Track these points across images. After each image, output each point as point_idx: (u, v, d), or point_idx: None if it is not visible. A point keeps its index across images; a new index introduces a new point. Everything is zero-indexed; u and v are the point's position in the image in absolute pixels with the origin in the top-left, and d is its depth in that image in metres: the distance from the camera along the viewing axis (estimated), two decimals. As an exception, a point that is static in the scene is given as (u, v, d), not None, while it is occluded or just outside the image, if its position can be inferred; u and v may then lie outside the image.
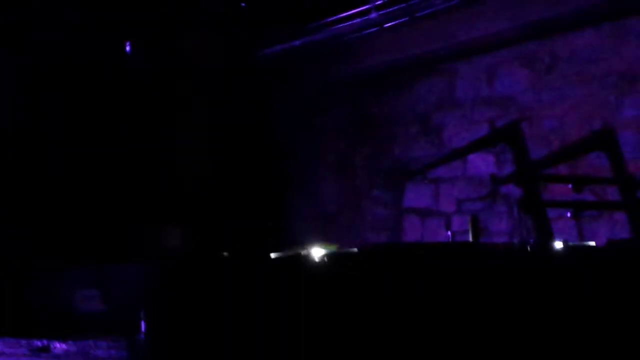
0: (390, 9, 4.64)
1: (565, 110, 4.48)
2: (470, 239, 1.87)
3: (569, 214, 2.38)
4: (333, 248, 1.72)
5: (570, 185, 2.28)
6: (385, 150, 5.26)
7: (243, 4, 4.27)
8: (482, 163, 4.63)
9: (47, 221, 1.87)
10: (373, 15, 4.77)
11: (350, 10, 4.91)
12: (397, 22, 4.66)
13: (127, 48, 2.31)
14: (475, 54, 4.85)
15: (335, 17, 5.01)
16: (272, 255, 1.75)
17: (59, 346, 1.62)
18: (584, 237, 2.21)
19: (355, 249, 1.69)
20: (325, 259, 1.64)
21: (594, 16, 4.28)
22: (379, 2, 4.63)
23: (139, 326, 1.38)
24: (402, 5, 4.60)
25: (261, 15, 4.88)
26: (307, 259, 1.66)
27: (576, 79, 4.48)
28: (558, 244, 1.88)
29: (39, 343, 1.69)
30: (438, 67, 5.05)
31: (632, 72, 4.26)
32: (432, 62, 5.01)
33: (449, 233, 4.07)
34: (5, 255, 1.89)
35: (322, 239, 2.43)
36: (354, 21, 4.95)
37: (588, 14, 4.27)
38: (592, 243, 2.04)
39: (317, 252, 1.68)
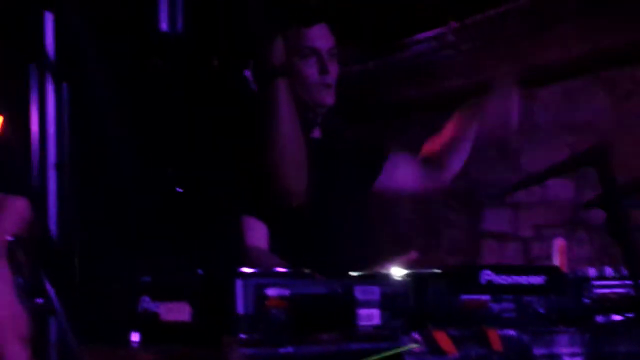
0: (466, 32, 4.64)
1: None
2: (556, 263, 1.85)
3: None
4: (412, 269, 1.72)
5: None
6: (462, 172, 5.22)
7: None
8: (561, 188, 4.56)
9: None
10: (450, 37, 4.78)
11: (427, 31, 4.93)
12: (473, 44, 4.65)
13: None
14: (553, 79, 4.80)
15: (411, 39, 5.03)
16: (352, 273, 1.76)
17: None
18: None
19: (437, 270, 1.69)
20: (406, 277, 1.64)
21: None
22: (455, 25, 4.63)
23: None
24: (479, 28, 4.59)
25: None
26: (388, 277, 1.66)
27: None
28: (648, 271, 1.84)
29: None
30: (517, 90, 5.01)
31: None
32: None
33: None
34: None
35: (398, 260, 2.43)
36: (430, 44, 4.96)
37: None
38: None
39: (396, 272, 1.69)
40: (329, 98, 2.59)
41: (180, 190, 1.85)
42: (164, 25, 1.86)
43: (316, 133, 2.68)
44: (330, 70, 2.58)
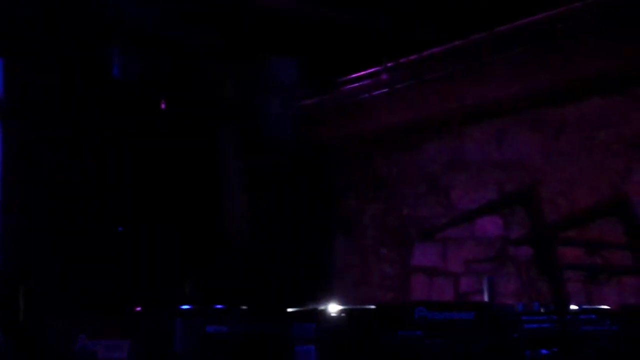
0: (401, 71, 4.73)
1: (574, 174, 4.53)
2: (486, 299, 1.91)
3: (579, 277, 2.41)
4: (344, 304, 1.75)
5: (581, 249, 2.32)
6: (394, 208, 5.30)
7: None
8: (490, 224, 4.66)
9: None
10: (384, 76, 4.86)
11: (361, 71, 5.01)
12: (407, 83, 4.74)
13: None
14: (485, 117, 4.92)
15: (346, 78, 5.11)
16: (289, 310, 1.78)
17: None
18: (593, 301, 2.24)
19: (372, 306, 1.72)
20: (342, 314, 1.67)
21: (602, 84, 4.36)
22: (390, 64, 4.72)
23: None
24: (413, 67, 4.68)
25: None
26: (324, 313, 1.69)
27: (585, 144, 4.54)
28: (573, 307, 1.91)
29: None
30: (447, 128, 5.12)
31: (639, 138, 4.32)
32: (442, 124, 5.08)
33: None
34: None
35: (331, 294, 2.47)
36: (365, 82, 5.04)
37: (597, 81, 4.34)
38: (606, 307, 2.07)
39: (333, 308, 1.72)
40: None
41: (121, 228, 1.86)
42: (116, 71, 1.88)
43: None
44: None
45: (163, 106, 2.01)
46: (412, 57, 4.40)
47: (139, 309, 1.57)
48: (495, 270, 4.57)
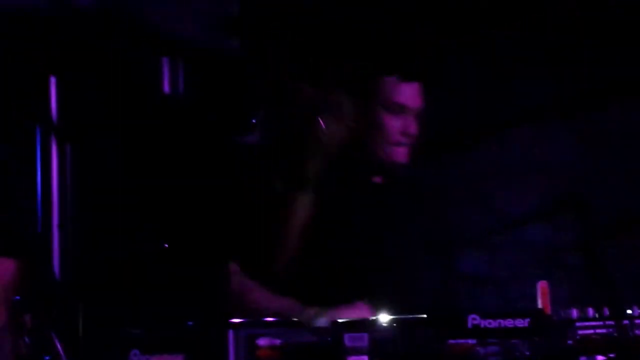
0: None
1: (622, 179, 4.46)
2: (539, 305, 1.88)
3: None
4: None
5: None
6: (438, 215, 5.26)
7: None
8: (538, 229, 4.61)
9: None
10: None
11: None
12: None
13: None
14: (529, 121, 4.88)
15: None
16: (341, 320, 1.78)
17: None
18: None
19: (424, 315, 1.71)
20: (394, 324, 1.67)
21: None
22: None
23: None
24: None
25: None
26: (376, 323, 1.68)
27: (631, 149, 4.47)
28: (629, 312, 1.88)
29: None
30: (490, 132, 5.08)
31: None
32: (482, 128, 5.05)
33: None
34: None
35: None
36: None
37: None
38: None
39: (384, 318, 1.71)
40: (403, 156, 2.54)
41: (166, 245, 1.88)
42: (166, 88, 1.90)
43: (377, 179, 2.63)
44: (412, 131, 2.52)
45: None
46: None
47: (190, 322, 1.57)
48: (545, 276, 4.51)
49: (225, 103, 2.05)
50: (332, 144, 2.37)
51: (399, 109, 2.51)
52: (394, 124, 2.52)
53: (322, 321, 2.08)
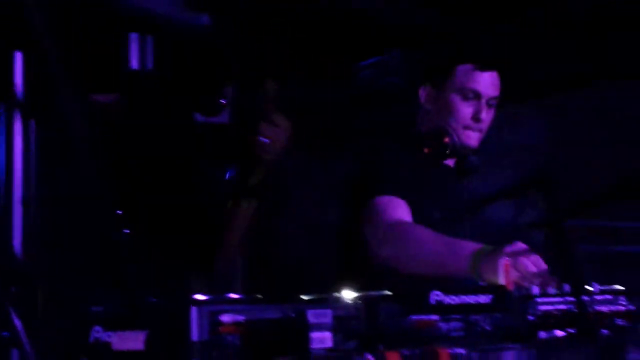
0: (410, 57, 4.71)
1: (589, 157, 4.51)
2: (501, 282, 1.90)
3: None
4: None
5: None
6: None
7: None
8: (501, 208, 4.65)
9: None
10: (393, 63, 4.86)
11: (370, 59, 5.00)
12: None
13: None
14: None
15: (355, 66, 5.11)
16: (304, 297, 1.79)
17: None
18: (611, 282, 2.23)
19: (388, 292, 1.73)
20: (358, 300, 1.68)
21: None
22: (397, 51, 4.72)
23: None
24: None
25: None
26: (339, 300, 1.69)
27: (600, 128, 4.52)
28: (588, 288, 1.91)
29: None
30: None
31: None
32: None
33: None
34: None
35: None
36: (374, 70, 5.04)
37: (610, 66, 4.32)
38: (621, 287, 2.07)
39: (348, 294, 1.72)
40: (474, 141, 2.74)
41: (120, 213, 1.88)
42: (134, 63, 1.89)
43: (450, 162, 2.79)
44: (484, 118, 2.69)
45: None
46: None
47: (153, 299, 1.58)
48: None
49: (195, 80, 2.04)
50: (273, 151, 2.42)
51: (473, 95, 2.68)
52: (466, 110, 2.70)
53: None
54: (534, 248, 2.33)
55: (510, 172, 3.68)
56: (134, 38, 1.89)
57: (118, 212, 1.85)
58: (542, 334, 1.81)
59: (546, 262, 2.27)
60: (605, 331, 1.83)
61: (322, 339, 1.55)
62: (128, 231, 1.84)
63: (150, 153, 2.05)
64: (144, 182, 2.03)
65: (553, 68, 4.42)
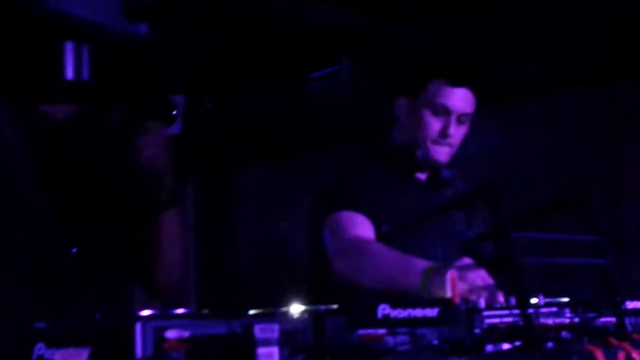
0: (361, 67, 4.74)
1: (538, 169, 4.58)
2: (448, 295, 1.92)
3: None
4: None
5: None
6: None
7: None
8: (456, 219, 4.68)
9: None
10: (344, 74, 4.89)
11: (322, 70, 5.02)
12: (368, 80, 4.76)
13: None
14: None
15: (307, 77, 5.12)
16: (251, 311, 1.79)
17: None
18: (556, 294, 2.26)
19: (335, 306, 1.73)
20: (305, 314, 1.68)
21: (566, 78, 4.41)
22: (348, 62, 4.75)
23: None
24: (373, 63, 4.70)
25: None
26: (286, 314, 1.69)
27: (548, 138, 4.59)
28: (534, 300, 1.93)
29: None
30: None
31: (599, 131, 4.38)
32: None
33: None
34: None
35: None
36: (326, 81, 5.06)
37: (560, 76, 4.39)
38: (566, 299, 2.10)
39: (295, 308, 1.72)
40: (443, 156, 2.75)
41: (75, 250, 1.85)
42: (69, 73, 1.86)
43: (422, 176, 2.80)
44: (453, 134, 2.70)
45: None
46: (371, 53, 4.42)
47: (97, 315, 1.55)
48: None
49: (134, 90, 2.02)
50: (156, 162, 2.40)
51: (442, 111, 2.70)
52: (436, 125, 2.73)
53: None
54: (483, 260, 2.36)
55: (462, 182, 3.72)
56: (68, 48, 1.86)
57: (60, 228, 1.82)
58: (489, 347, 1.82)
59: (493, 274, 2.30)
60: (550, 344, 1.85)
61: (268, 354, 1.54)
62: (74, 249, 1.82)
63: (89, 165, 2.03)
64: (85, 198, 2.00)
65: (508, 73, 4.48)
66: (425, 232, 2.79)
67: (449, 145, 2.77)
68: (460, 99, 2.73)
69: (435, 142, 2.74)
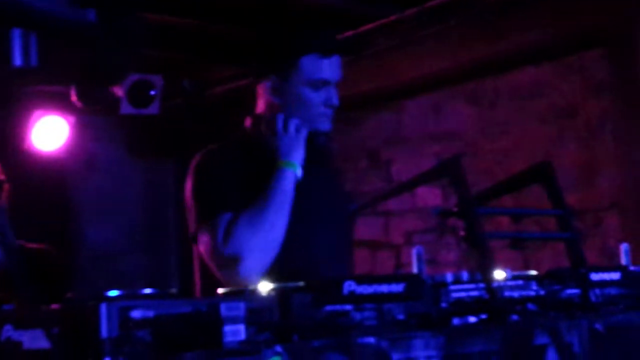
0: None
1: (509, 144, 4.61)
2: (415, 270, 1.93)
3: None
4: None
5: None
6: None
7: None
8: (430, 196, 4.72)
9: None
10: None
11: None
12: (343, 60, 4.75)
13: None
14: (421, 91, 4.97)
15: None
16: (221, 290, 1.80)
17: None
18: (529, 268, 2.29)
19: (301, 283, 1.73)
20: (271, 292, 1.69)
21: (534, 54, 4.43)
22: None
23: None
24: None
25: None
26: (253, 292, 1.70)
27: (519, 114, 4.61)
28: (500, 274, 1.95)
29: None
30: (385, 103, 5.16)
31: (570, 106, 4.41)
32: (379, 99, 5.12)
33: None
34: None
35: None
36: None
37: (528, 52, 4.41)
38: (533, 272, 2.12)
39: (261, 286, 1.72)
40: (328, 124, 2.66)
41: None
42: (17, 60, 1.84)
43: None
44: (334, 102, 2.63)
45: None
46: (347, 34, 4.41)
47: (63, 297, 1.56)
48: (436, 241, 4.64)
49: (81, 75, 2.01)
50: None
51: (322, 84, 2.63)
52: (318, 99, 2.64)
53: None
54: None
55: (432, 160, 3.72)
56: (16, 35, 1.85)
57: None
58: (456, 321, 1.84)
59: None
60: (515, 316, 1.87)
61: (235, 332, 1.55)
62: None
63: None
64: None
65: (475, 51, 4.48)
66: (309, 208, 2.69)
67: (332, 110, 2.71)
68: (335, 67, 2.68)
69: (322, 114, 2.67)
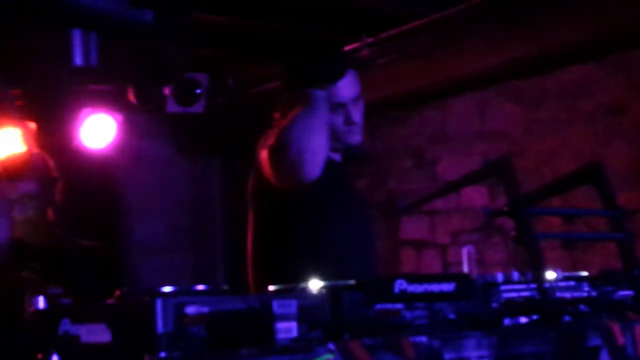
0: (381, 46, 4.72)
1: (556, 143, 4.56)
2: (465, 270, 1.93)
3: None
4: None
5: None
6: (380, 183, 5.32)
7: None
8: (476, 195, 4.69)
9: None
10: (364, 52, 4.87)
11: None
12: (387, 59, 4.75)
13: None
14: (466, 90, 4.94)
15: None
16: (272, 287, 1.81)
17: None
18: (578, 268, 2.27)
19: (352, 281, 1.74)
20: (322, 290, 1.70)
21: (579, 52, 4.38)
22: (369, 40, 4.72)
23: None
24: (393, 42, 4.69)
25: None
26: (304, 290, 1.71)
27: (565, 113, 4.56)
28: (551, 274, 1.94)
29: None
30: (430, 102, 5.14)
31: (618, 105, 4.35)
32: (424, 98, 5.10)
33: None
34: None
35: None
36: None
37: (574, 51, 4.36)
38: (585, 273, 2.10)
39: (313, 284, 1.73)
40: (357, 138, 2.73)
41: None
42: (78, 60, 1.88)
43: (336, 157, 2.78)
44: (356, 119, 2.68)
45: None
46: (392, 32, 4.40)
47: (118, 292, 1.59)
48: (483, 240, 4.61)
49: (137, 74, 2.04)
50: None
51: (337, 107, 2.66)
52: (338, 120, 2.68)
53: None
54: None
55: (480, 160, 3.70)
56: (76, 35, 1.88)
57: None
58: (507, 321, 1.84)
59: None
60: (567, 317, 1.86)
61: (287, 329, 1.57)
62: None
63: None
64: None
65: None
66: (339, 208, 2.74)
67: (357, 125, 2.74)
68: (348, 86, 2.69)
69: (345, 132, 2.72)
